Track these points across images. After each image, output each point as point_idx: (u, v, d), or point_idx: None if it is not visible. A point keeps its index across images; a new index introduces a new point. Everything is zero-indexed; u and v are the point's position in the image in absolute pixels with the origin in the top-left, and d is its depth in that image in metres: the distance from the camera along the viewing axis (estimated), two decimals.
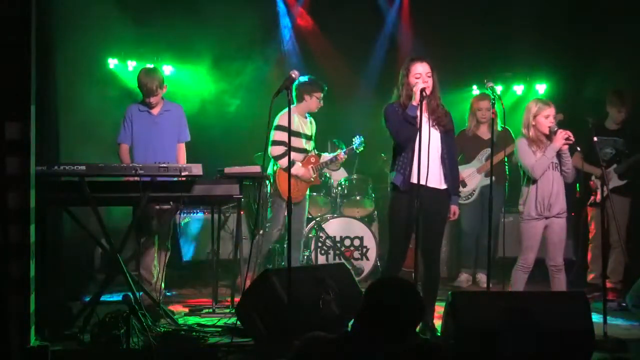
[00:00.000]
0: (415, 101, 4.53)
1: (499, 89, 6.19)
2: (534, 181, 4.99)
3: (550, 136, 4.98)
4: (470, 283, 6.83)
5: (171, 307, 5.29)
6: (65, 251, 5.70)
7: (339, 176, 7.21)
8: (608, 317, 4.77)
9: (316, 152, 6.45)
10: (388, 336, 2.64)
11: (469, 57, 7.70)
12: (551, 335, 3.89)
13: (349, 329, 2.78)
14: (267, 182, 6.06)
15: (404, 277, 4.32)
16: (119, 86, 7.30)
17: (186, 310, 5.39)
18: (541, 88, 7.99)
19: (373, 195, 7.15)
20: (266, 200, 6.25)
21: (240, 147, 7.16)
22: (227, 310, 5.16)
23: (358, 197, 7.10)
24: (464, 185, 6.63)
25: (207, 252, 6.82)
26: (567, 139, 4.89)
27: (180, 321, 4.96)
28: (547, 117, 4.99)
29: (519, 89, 8.12)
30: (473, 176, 6.70)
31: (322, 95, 6.23)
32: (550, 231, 5.02)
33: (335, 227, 6.83)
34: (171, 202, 5.21)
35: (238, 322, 4.51)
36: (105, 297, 4.99)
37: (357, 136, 6.54)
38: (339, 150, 6.56)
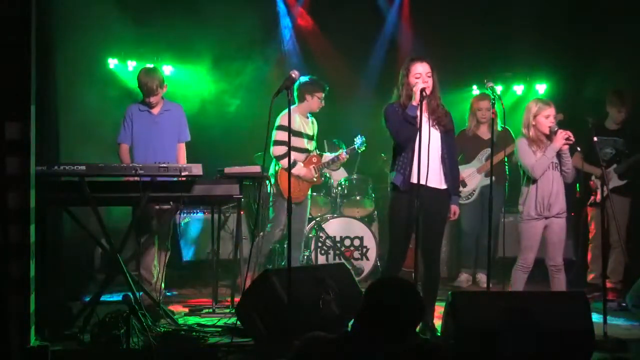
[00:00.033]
0: (415, 101, 4.53)
1: (499, 89, 6.18)
2: (534, 181, 4.99)
3: (550, 136, 4.98)
4: (470, 283, 6.83)
5: (171, 307, 5.29)
6: (65, 251, 5.70)
7: (339, 176, 7.21)
8: (608, 317, 4.77)
9: (318, 152, 6.45)
10: (388, 336, 2.64)
11: (469, 57, 7.70)
12: (551, 335, 3.89)
13: (349, 329, 2.78)
14: (269, 182, 6.06)
15: (404, 277, 4.32)
16: (119, 86, 7.30)
17: (186, 310, 5.39)
18: (541, 88, 7.99)
19: (373, 195, 7.15)
20: (266, 200, 6.25)
21: (240, 147, 7.15)
22: (227, 310, 5.16)
23: (358, 197, 7.10)
24: (464, 185, 6.63)
25: (207, 252, 6.82)
26: (567, 139, 4.89)
27: (180, 321, 4.96)
28: (548, 117, 4.99)
29: (519, 89, 8.12)
30: (473, 176, 6.70)
31: (323, 95, 6.22)
32: (549, 231, 5.02)
33: (335, 227, 6.83)
34: (171, 202, 5.21)
35: (238, 322, 4.51)
36: (105, 297, 4.98)
37: (359, 136, 6.54)
38: (340, 150, 6.56)
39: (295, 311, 4.09)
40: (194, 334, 4.58)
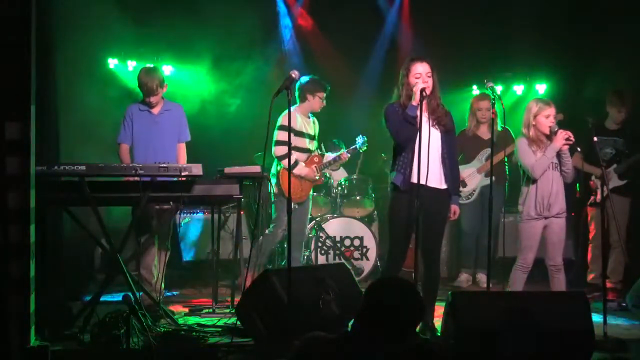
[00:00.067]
0: (415, 101, 4.53)
1: (499, 89, 6.19)
2: (534, 181, 4.99)
3: (550, 136, 4.98)
4: (470, 283, 6.83)
5: (171, 307, 5.29)
6: (65, 251, 5.70)
7: (339, 176, 7.21)
8: (608, 317, 4.76)
9: (319, 152, 6.45)
10: (388, 336, 2.64)
11: (469, 57, 7.70)
12: (551, 335, 3.89)
13: (349, 329, 2.78)
14: (269, 182, 6.06)
15: (404, 277, 4.32)
16: (119, 86, 7.30)
17: (186, 310, 5.39)
18: (541, 88, 7.99)
19: (373, 195, 7.15)
20: (267, 200, 6.24)
21: (240, 147, 7.16)
22: (227, 310, 5.16)
23: (358, 197, 7.10)
24: (464, 185, 6.63)
25: (207, 252, 6.82)
26: (567, 139, 4.89)
27: (180, 321, 4.96)
28: (548, 117, 4.99)
29: (519, 89, 8.12)
30: (473, 176, 6.70)
31: (324, 95, 6.21)
32: (549, 231, 5.02)
33: (335, 227, 6.83)
34: (171, 202, 5.20)
35: (238, 322, 4.51)
36: (105, 297, 4.98)
37: (360, 136, 6.54)
38: (342, 150, 6.56)
39: (295, 311, 4.09)
40: (194, 334, 4.58)
